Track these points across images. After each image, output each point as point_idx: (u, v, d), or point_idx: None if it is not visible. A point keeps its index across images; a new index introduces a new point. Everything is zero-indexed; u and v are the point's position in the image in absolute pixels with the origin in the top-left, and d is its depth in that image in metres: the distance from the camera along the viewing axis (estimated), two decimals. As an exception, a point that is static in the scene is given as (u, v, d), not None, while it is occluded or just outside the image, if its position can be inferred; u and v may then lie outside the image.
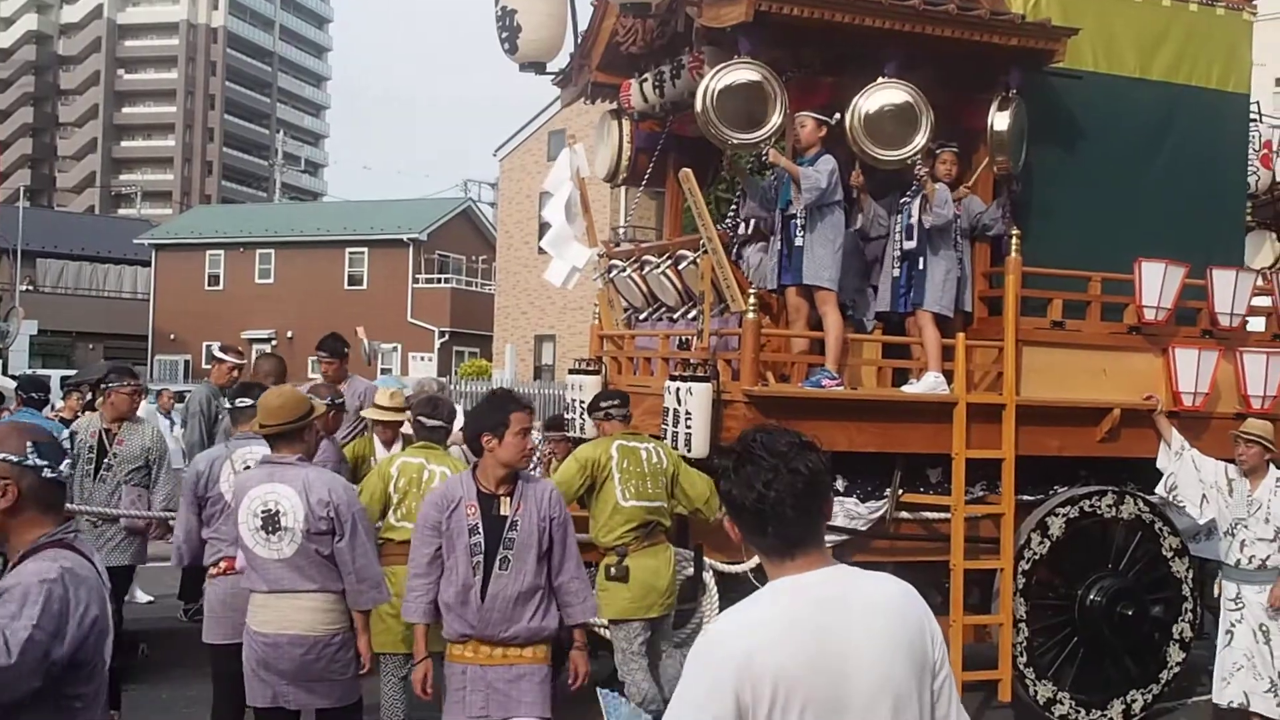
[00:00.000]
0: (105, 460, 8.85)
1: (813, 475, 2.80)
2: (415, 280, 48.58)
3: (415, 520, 6.99)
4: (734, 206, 9.25)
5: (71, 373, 22.70)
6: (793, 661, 2.66)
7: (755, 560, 8.10)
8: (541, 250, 34.84)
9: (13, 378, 21.87)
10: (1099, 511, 8.49)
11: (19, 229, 50.74)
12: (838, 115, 8.12)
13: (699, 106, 7.67)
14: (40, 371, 29.84)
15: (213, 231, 52.99)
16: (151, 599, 11.47)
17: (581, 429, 9.46)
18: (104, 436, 8.89)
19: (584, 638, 5.94)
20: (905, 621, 2.83)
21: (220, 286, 51.79)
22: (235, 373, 10.64)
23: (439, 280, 49.14)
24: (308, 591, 5.82)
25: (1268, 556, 7.81)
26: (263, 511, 5.78)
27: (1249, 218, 10.33)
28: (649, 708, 7.33)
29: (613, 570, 7.44)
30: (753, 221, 9.28)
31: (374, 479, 7.30)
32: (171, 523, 8.02)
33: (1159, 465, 8.51)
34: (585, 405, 8.47)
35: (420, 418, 7.58)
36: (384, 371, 39.02)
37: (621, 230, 21.32)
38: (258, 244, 51.15)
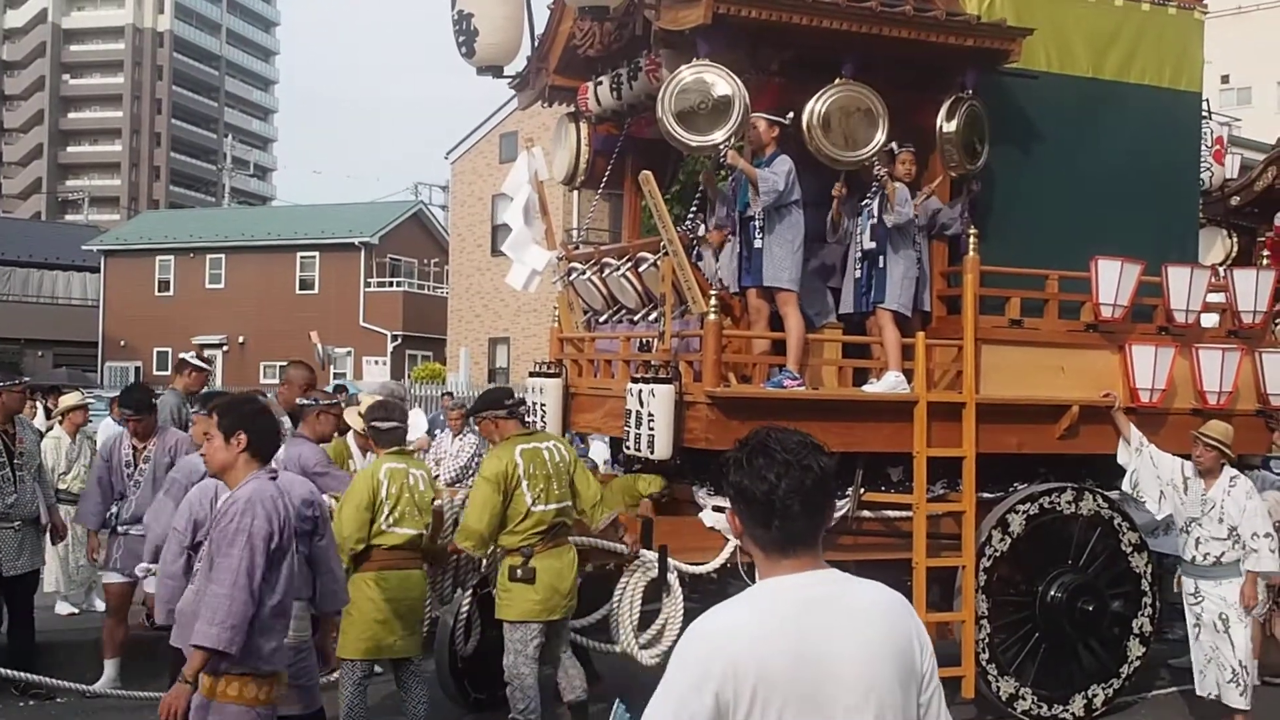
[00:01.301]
0: (15, 461, 8.86)
1: (822, 475, 2.84)
2: (367, 284, 48.32)
3: (408, 525, 7.06)
4: (693, 208, 9.25)
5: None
6: (775, 661, 2.68)
7: (719, 561, 8.13)
8: (495, 252, 34.94)
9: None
10: (1059, 508, 8.56)
11: (-35, 237, 50.15)
12: (791, 115, 8.15)
13: (659, 110, 7.68)
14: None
15: (162, 237, 52.48)
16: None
17: (544, 430, 9.43)
18: (5, 439, 8.84)
19: (194, 668, 4.92)
20: (894, 630, 2.84)
21: (170, 292, 51.32)
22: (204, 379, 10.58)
23: (391, 284, 48.93)
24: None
25: (1222, 553, 7.91)
26: None
27: (1201, 215, 10.44)
28: (529, 715, 7.34)
29: (519, 572, 7.39)
30: (717, 227, 9.32)
31: (361, 485, 7.23)
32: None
33: (1120, 461, 8.59)
34: (478, 404, 8.06)
35: (374, 423, 7.57)
36: (337, 376, 38.79)
37: (575, 232, 21.28)
38: (208, 249, 50.74)
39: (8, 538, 8.73)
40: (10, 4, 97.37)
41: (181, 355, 10.59)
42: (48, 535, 9.42)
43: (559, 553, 7.52)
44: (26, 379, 9.48)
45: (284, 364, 12.18)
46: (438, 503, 7.80)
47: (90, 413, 13.39)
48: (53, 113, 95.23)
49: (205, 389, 10.38)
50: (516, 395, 8.23)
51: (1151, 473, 8.39)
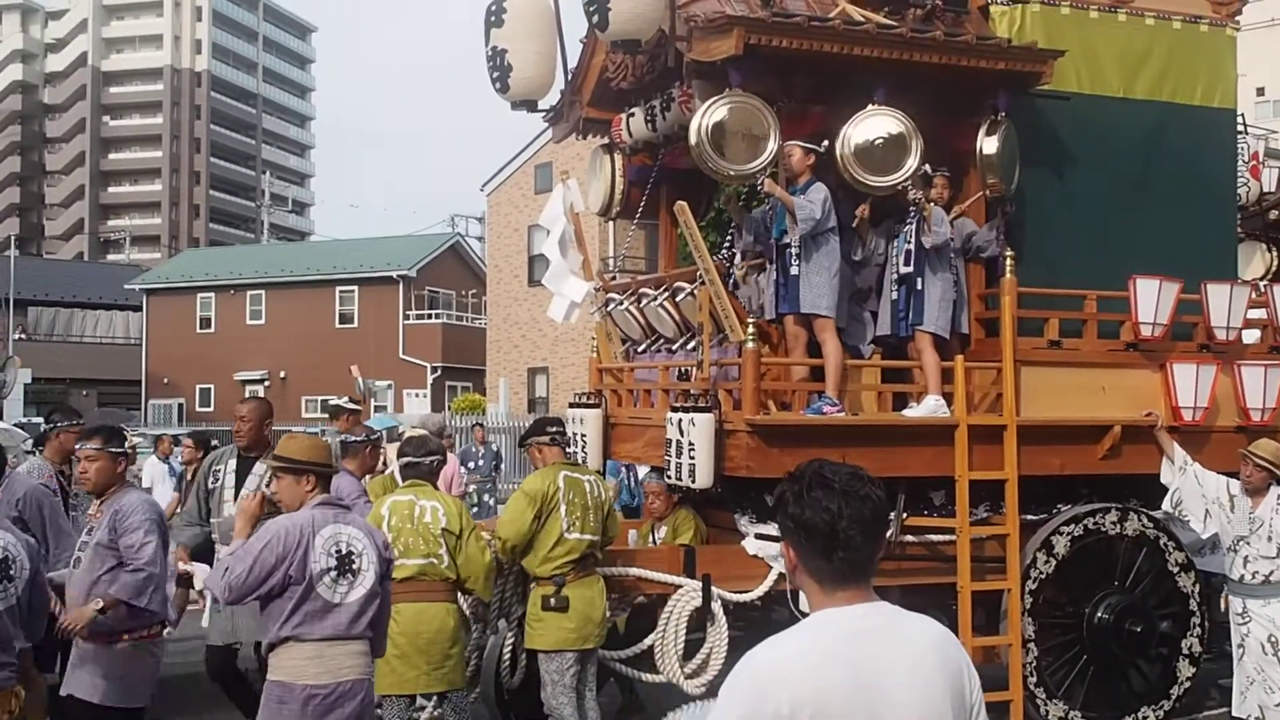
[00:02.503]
0: (70, 501, 8.85)
1: (878, 504, 2.87)
2: (406, 317, 48.61)
3: (413, 556, 7.05)
4: (729, 237, 9.30)
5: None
6: (829, 693, 2.69)
7: (764, 588, 8.13)
8: (532, 283, 35.08)
9: (20, 426, 21.89)
10: (1103, 529, 8.52)
11: (10, 278, 50.76)
12: (826, 143, 8.18)
13: (693, 140, 7.73)
14: (34, 420, 29.95)
15: (203, 274, 52.98)
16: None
17: (585, 461, 9.48)
18: (61, 478, 8.84)
19: None
20: (945, 662, 2.86)
21: (212, 329, 51.79)
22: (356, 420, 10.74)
23: (430, 316, 49.21)
24: (357, 638, 5.62)
25: (1271, 572, 7.83)
26: (336, 552, 5.53)
27: (1239, 230, 10.38)
28: None
29: (551, 601, 7.43)
30: (743, 253, 9.35)
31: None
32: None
33: (1163, 480, 8.54)
34: (527, 432, 8.26)
35: (403, 456, 7.63)
36: (378, 409, 38.96)
37: (612, 261, 21.36)
38: (248, 285, 51.18)
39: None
40: (51, 49, 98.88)
41: (335, 401, 10.71)
42: None
43: (590, 582, 7.59)
44: (82, 420, 9.52)
45: (329, 398, 12.33)
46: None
47: (136, 452, 13.52)
48: (93, 154, 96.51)
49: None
50: (561, 424, 8.31)
51: (1196, 491, 8.33)
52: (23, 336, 53.23)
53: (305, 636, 5.48)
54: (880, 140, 8.05)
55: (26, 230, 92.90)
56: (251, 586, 5.44)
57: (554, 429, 7.97)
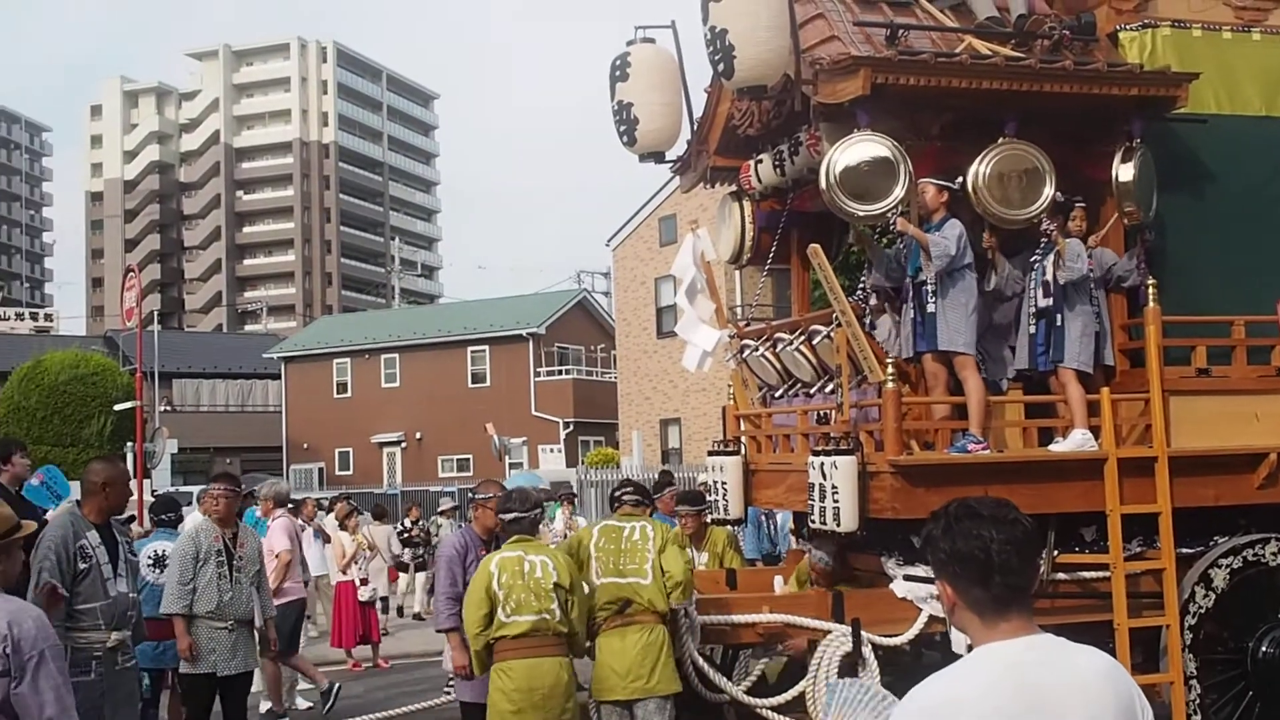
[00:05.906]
0: (234, 563, 9.01)
1: (1029, 529, 2.85)
2: (537, 374, 49.17)
3: (526, 612, 7.11)
4: (862, 278, 9.26)
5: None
6: None
7: (914, 631, 8.01)
8: (661, 335, 35.09)
9: (153, 496, 22.56)
10: (1264, 560, 8.24)
11: (155, 352, 52.47)
12: (960, 179, 8.11)
13: (823, 183, 7.72)
14: (181, 488, 30.80)
15: (338, 340, 54.23)
16: (312, 705, 11.85)
17: (726, 509, 9.49)
18: (227, 541, 9.02)
19: None
20: (1119, 694, 2.81)
21: (349, 393, 52.90)
22: None
23: (560, 372, 49.70)
24: None
25: None
26: None
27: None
28: None
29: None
30: (874, 288, 9.30)
31: (475, 582, 7.37)
32: None
33: (1326, 508, 8.26)
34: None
35: (500, 515, 7.67)
36: (513, 467, 39.32)
37: (740, 310, 21.35)
38: (382, 349, 52.25)
39: (221, 637, 8.82)
40: (185, 129, 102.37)
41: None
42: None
43: (623, 632, 7.55)
44: (241, 486, 9.77)
45: (464, 456, 12.54)
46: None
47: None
48: (229, 228, 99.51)
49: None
50: (635, 483, 8.59)
51: (1362, 519, 8.04)
52: (168, 408, 54.89)
53: None
54: (1012, 173, 7.98)
55: (168, 305, 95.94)
56: None
57: (619, 491, 8.28)
